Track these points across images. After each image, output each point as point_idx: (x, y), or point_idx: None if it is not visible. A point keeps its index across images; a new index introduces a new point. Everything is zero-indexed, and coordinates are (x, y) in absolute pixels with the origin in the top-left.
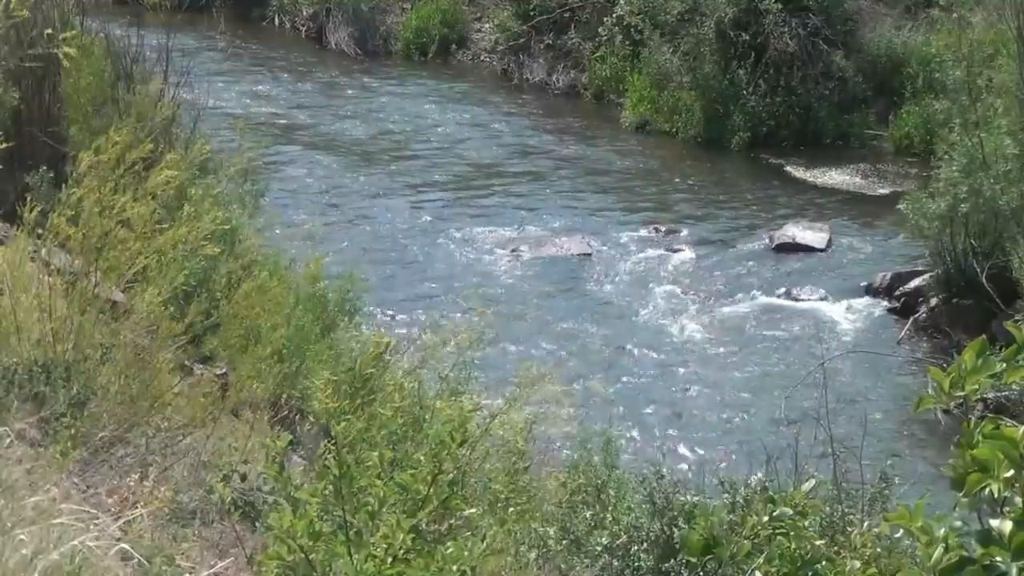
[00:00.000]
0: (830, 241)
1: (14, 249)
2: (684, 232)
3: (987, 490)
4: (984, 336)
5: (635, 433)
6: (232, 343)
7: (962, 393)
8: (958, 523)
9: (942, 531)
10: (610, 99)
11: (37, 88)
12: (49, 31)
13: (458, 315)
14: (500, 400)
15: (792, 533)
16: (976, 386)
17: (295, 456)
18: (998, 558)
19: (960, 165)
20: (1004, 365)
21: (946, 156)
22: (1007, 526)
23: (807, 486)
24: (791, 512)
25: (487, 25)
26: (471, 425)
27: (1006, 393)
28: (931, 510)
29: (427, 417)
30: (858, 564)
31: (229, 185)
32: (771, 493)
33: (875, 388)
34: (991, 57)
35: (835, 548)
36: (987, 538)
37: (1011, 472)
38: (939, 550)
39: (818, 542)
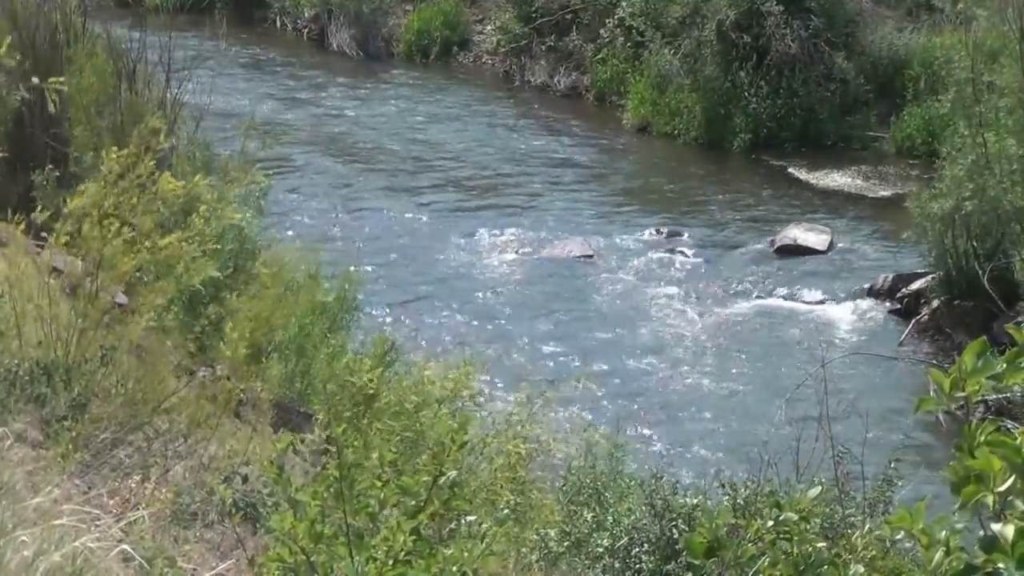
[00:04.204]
0: (831, 243)
1: (17, 251)
2: (685, 234)
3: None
4: (984, 337)
5: (636, 434)
6: (235, 345)
7: (963, 395)
8: (960, 526)
9: (943, 534)
10: (612, 101)
11: (38, 90)
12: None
13: (459, 318)
14: (503, 406)
15: (796, 537)
16: (977, 387)
17: (296, 459)
18: (1001, 564)
19: (967, 164)
20: (1004, 366)
21: (951, 155)
22: (1009, 531)
23: (813, 492)
24: (795, 517)
25: (489, 27)
26: (472, 428)
27: (1007, 395)
28: (933, 511)
29: (428, 427)
30: (861, 568)
31: (232, 184)
32: (777, 498)
33: (876, 389)
34: (993, 58)
35: (835, 551)
36: (990, 544)
37: (1008, 483)
38: (939, 553)
39: (820, 544)
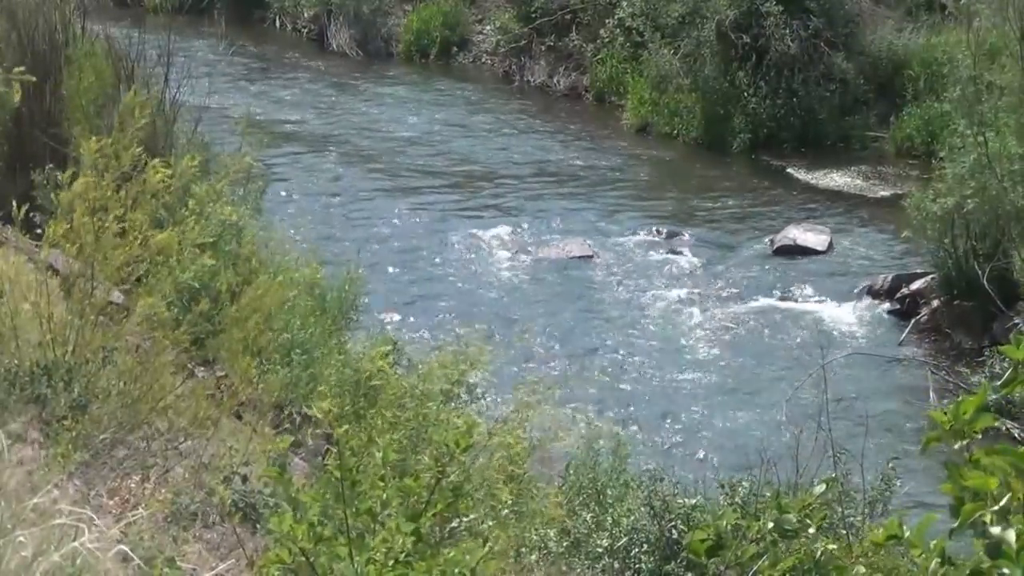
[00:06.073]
0: (831, 243)
1: (14, 251)
2: (685, 234)
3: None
4: (984, 391)
5: (636, 435)
6: (234, 347)
7: (964, 442)
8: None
9: (932, 543)
10: (611, 101)
11: (39, 89)
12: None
13: (459, 319)
14: (502, 404)
15: (802, 536)
16: (977, 433)
17: (297, 459)
18: (1006, 570)
19: (968, 163)
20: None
21: (949, 154)
22: (1011, 536)
23: (819, 489)
24: (795, 519)
25: (488, 27)
26: (476, 431)
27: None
28: (931, 509)
29: (430, 424)
30: (863, 570)
31: (226, 183)
32: (779, 499)
33: (876, 390)
34: (992, 58)
35: (838, 556)
36: (995, 550)
37: (1006, 500)
38: (935, 563)
39: (831, 546)
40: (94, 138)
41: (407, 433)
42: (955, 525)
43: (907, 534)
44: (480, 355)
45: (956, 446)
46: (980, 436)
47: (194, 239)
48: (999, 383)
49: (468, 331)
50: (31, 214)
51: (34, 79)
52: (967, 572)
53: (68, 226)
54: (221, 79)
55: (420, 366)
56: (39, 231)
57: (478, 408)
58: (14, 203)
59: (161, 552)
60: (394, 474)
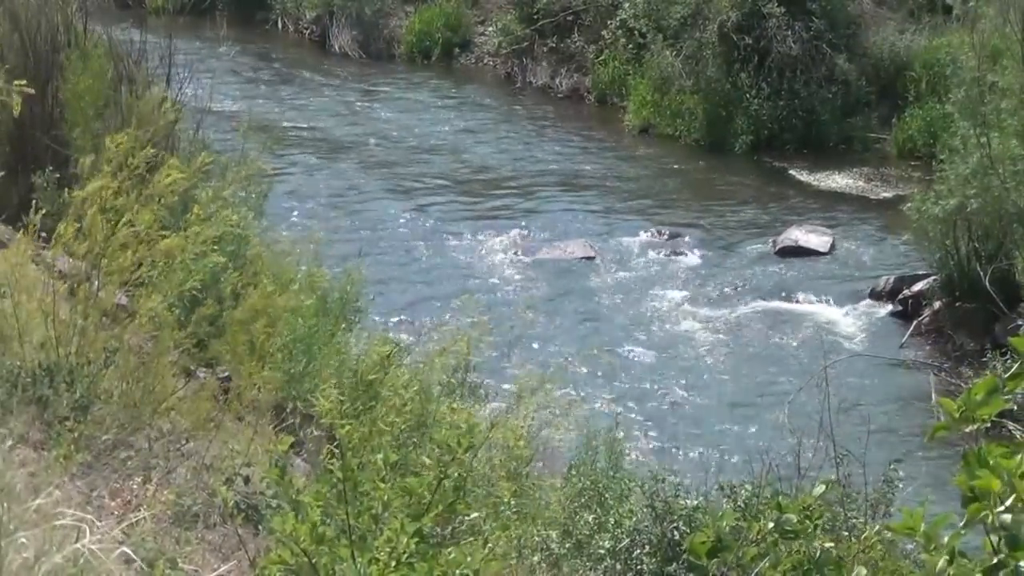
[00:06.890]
0: (833, 245)
1: (17, 252)
2: (687, 236)
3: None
4: (995, 375)
5: (637, 437)
6: (237, 348)
7: (973, 427)
8: (962, 529)
9: (944, 538)
10: (613, 102)
11: (39, 91)
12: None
13: (459, 319)
14: (503, 404)
15: (802, 537)
16: (985, 419)
17: (298, 460)
18: (1022, 563)
19: (971, 164)
20: (1009, 398)
21: (949, 156)
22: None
23: (819, 491)
24: (795, 519)
25: (490, 28)
26: (477, 430)
27: (1009, 397)
28: (934, 509)
29: (431, 421)
30: (864, 571)
31: (233, 188)
32: (778, 498)
33: (878, 391)
34: (994, 60)
35: (837, 554)
36: (1015, 543)
37: (1008, 502)
38: (943, 561)
39: (828, 544)
40: (120, 135)
41: (407, 428)
42: (963, 522)
43: (922, 528)
44: (482, 331)
45: (967, 429)
46: (989, 425)
47: (200, 244)
48: (1007, 376)
49: (465, 307)
50: (33, 216)
51: (33, 91)
52: (978, 570)
53: (78, 226)
54: (223, 80)
55: (420, 351)
56: (42, 233)
57: (479, 404)
58: (33, 204)
59: (163, 553)
60: (395, 474)
